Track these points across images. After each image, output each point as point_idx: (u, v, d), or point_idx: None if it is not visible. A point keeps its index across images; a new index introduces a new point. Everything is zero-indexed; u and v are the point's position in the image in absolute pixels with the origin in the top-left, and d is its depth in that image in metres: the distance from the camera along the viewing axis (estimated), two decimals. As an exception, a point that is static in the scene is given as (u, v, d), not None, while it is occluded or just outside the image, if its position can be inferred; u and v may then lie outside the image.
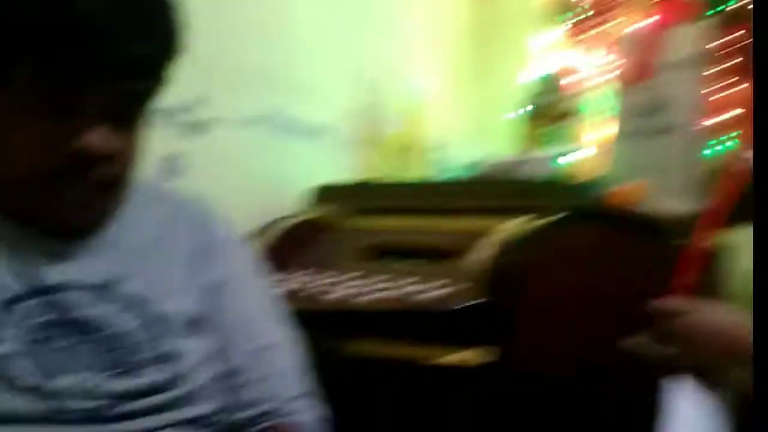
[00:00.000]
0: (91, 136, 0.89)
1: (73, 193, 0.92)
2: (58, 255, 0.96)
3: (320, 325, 1.45)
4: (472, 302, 1.45)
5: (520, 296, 1.47)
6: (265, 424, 1.04)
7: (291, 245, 1.81)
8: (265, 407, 1.04)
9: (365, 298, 1.53)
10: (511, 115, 2.22)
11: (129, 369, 0.96)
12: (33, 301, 0.94)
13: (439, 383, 1.47)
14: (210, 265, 1.07)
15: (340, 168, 2.15)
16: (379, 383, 1.52)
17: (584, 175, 1.90)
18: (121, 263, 1.00)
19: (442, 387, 1.47)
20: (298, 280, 1.66)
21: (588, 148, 2.01)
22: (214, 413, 1.03)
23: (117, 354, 0.96)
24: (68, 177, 0.90)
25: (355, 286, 1.59)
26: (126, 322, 0.97)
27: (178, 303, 1.02)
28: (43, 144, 0.89)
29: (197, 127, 1.83)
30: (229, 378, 1.05)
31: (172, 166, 1.77)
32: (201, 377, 1.01)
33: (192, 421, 1.00)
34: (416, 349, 1.47)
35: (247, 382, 1.05)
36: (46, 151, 0.89)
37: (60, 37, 0.85)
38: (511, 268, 1.47)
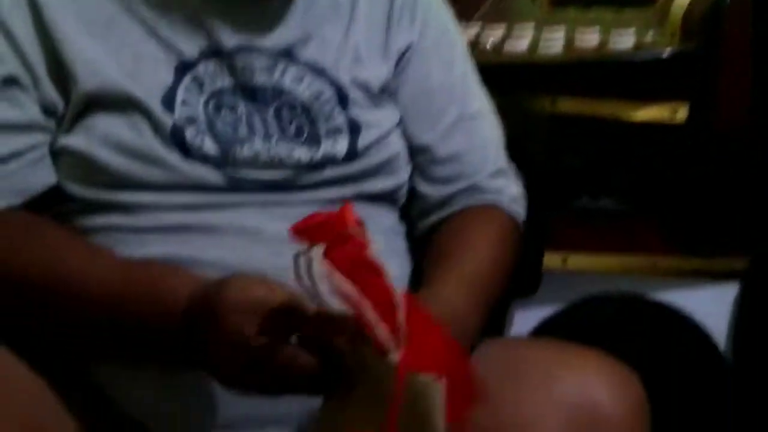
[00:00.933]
0: None
1: None
2: (239, 18, 0.89)
3: (500, 80, 1.39)
4: (668, 52, 1.33)
5: (722, 45, 1.34)
6: (460, 204, 0.97)
7: (464, -6, 1.69)
8: (461, 185, 0.97)
9: (550, 50, 1.42)
10: None
11: (311, 138, 0.89)
12: (209, 65, 0.88)
13: (632, 140, 1.39)
14: (407, 25, 0.97)
15: None
16: (565, 140, 1.45)
17: None
18: (307, 27, 0.92)
19: (634, 144, 1.39)
20: (473, 32, 1.56)
21: None
22: (399, 188, 0.96)
23: (298, 123, 0.90)
24: None
25: (537, 37, 1.47)
26: (308, 90, 0.91)
27: (367, 69, 0.94)
28: None
29: None
30: (421, 153, 0.97)
31: None
32: (387, 150, 0.94)
33: (375, 196, 0.94)
34: (607, 104, 1.38)
35: (441, 157, 0.97)
36: None
37: None
38: (717, 13, 1.32)
